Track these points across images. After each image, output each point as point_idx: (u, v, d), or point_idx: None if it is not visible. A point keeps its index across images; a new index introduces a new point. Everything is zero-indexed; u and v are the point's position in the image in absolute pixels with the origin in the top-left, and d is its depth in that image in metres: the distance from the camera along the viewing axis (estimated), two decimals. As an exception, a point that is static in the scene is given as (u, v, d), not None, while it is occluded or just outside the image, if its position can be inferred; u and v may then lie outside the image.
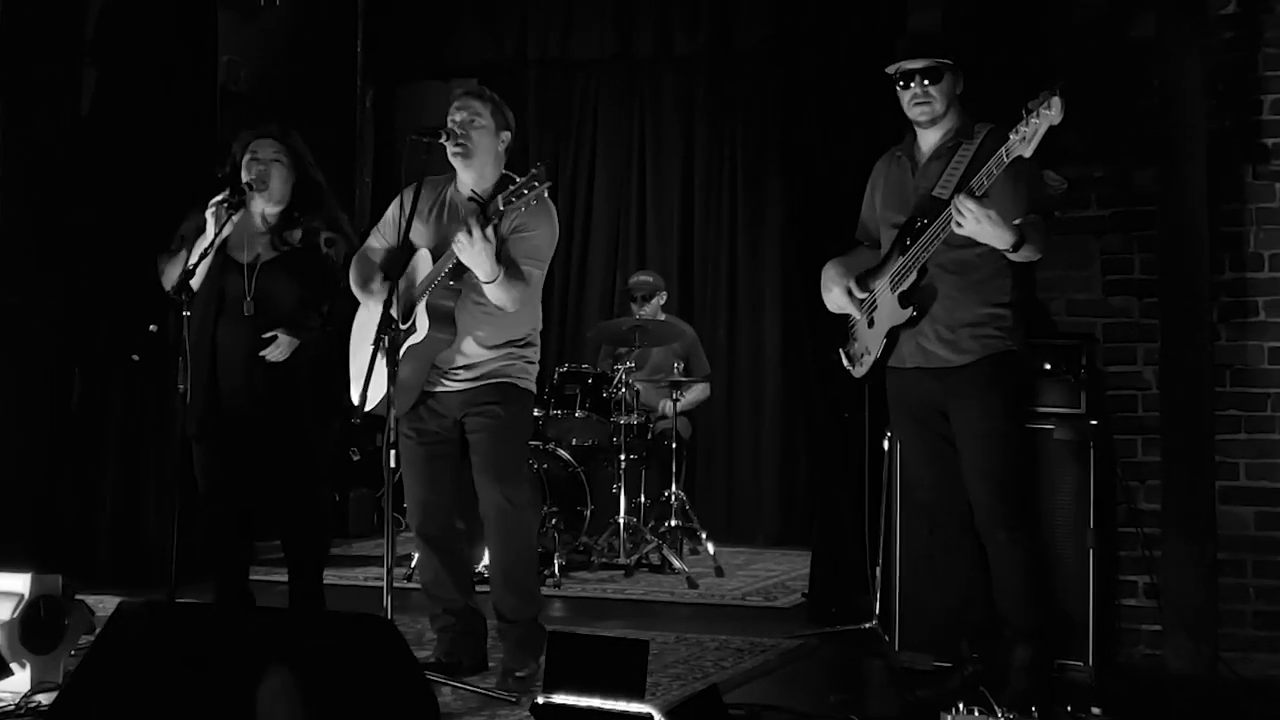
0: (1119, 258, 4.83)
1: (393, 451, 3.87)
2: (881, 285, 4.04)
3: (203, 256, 4.47)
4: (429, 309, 4.01)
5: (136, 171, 6.35)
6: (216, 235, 4.48)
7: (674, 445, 6.83)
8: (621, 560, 6.63)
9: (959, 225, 3.73)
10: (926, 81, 3.99)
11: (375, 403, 3.94)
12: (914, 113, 4.03)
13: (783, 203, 8.22)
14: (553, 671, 2.97)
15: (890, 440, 4.67)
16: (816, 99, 6.30)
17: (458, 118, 4.18)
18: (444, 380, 4.12)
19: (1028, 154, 3.62)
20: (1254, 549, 4.64)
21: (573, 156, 8.82)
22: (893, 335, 4.01)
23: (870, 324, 4.09)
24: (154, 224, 5.50)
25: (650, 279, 7.41)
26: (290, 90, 7.83)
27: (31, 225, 6.17)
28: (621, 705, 2.87)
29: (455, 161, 4.18)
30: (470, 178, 4.19)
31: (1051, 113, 3.56)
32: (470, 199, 4.12)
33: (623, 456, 6.66)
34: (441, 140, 4.14)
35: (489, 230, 3.86)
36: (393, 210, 4.27)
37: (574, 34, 8.57)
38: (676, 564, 6.48)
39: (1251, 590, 4.62)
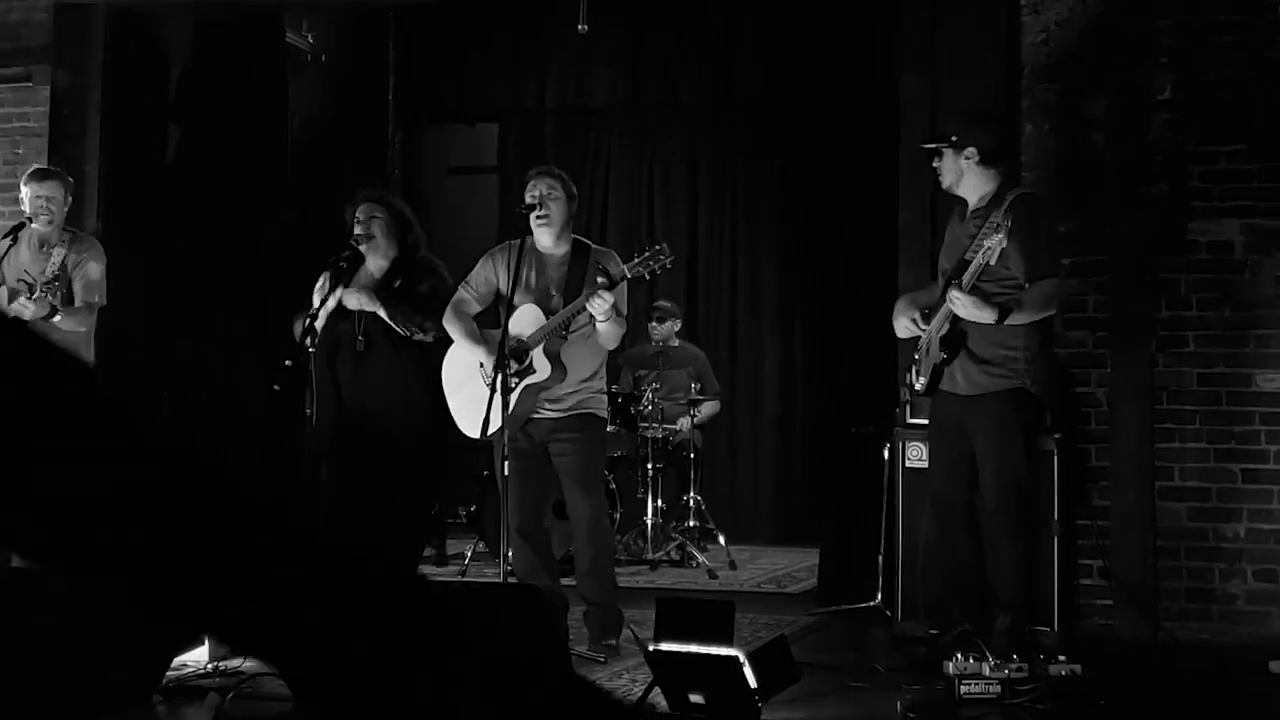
0: (1076, 298, 5.82)
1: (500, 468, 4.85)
2: (931, 328, 5.02)
3: (323, 303, 5.42)
4: (546, 353, 4.96)
5: (221, 211, 7.21)
6: (332, 290, 5.43)
7: (692, 455, 7.80)
8: (648, 556, 7.56)
9: (952, 304, 4.78)
10: (935, 160, 5.03)
11: (493, 430, 4.86)
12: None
13: (779, 239, 9.17)
14: (661, 626, 3.93)
15: (891, 449, 5.69)
16: (811, 145, 7.26)
17: (537, 192, 5.13)
18: (542, 409, 5.07)
19: (993, 261, 4.67)
20: (1186, 538, 5.65)
21: (587, 196, 9.66)
22: (937, 369, 5.00)
23: (926, 353, 5.07)
24: (245, 258, 6.40)
25: (668, 304, 8.34)
26: (331, 135, 8.70)
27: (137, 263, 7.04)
28: (715, 650, 3.84)
29: (538, 226, 5.13)
30: (549, 239, 5.15)
31: (999, 228, 4.67)
32: (598, 263, 5.03)
33: (649, 466, 7.61)
34: (528, 211, 5.10)
35: (608, 291, 4.81)
36: (481, 268, 5.22)
37: (588, 82, 9.21)
38: (699, 558, 7.44)
39: (1184, 571, 5.64)
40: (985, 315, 4.76)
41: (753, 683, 3.82)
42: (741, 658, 3.82)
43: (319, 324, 5.40)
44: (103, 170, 6.80)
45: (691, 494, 7.77)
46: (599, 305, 4.81)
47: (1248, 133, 5.67)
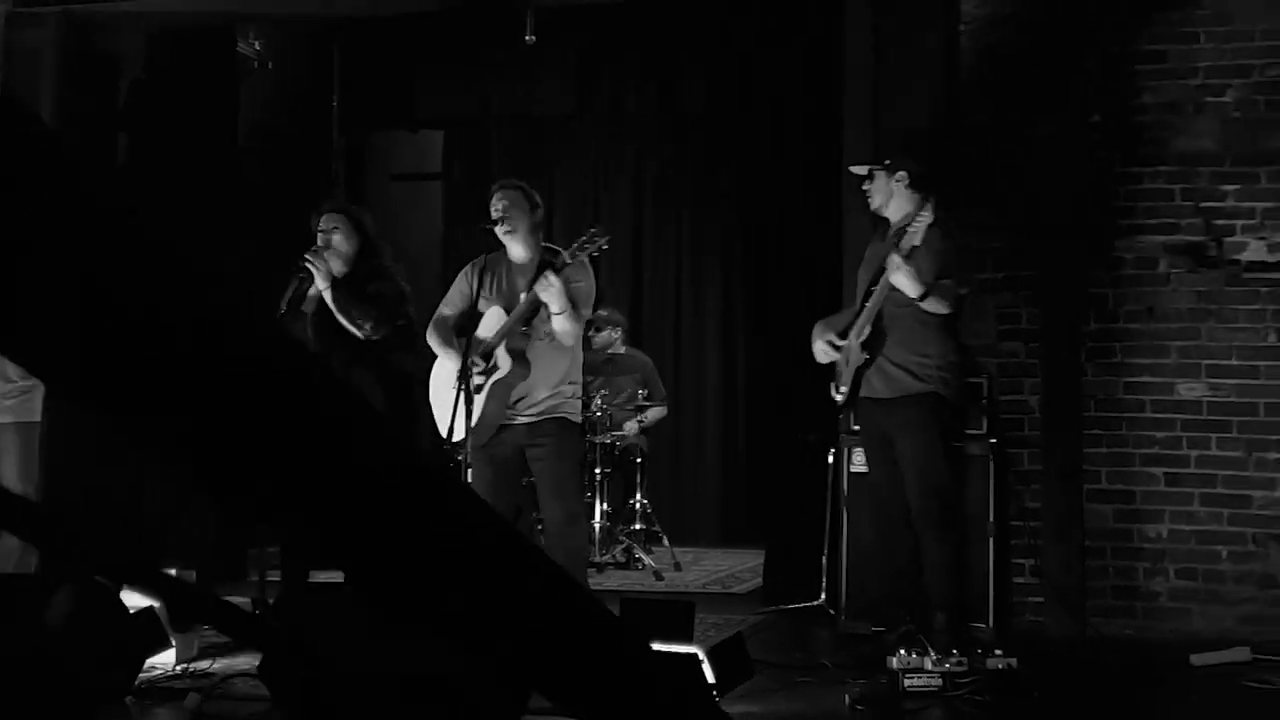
0: (1009, 311, 6.13)
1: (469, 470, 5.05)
2: (851, 335, 5.30)
3: (289, 304, 5.59)
4: (509, 350, 5.16)
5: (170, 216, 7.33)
6: (294, 290, 5.61)
7: (639, 460, 8.02)
8: (595, 558, 7.76)
9: (889, 275, 5.05)
10: (866, 183, 5.30)
11: (460, 435, 5.07)
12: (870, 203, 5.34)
13: (723, 249, 9.42)
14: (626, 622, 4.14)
15: (835, 456, 5.96)
16: (755, 158, 7.51)
17: (501, 205, 5.35)
18: (518, 415, 5.26)
19: (918, 242, 4.95)
20: (1112, 538, 5.97)
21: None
22: (858, 374, 5.27)
23: (846, 363, 5.34)
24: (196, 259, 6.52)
25: (605, 313, 8.55)
26: (277, 140, 8.80)
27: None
28: (676, 647, 4.06)
29: (506, 238, 5.34)
30: (518, 249, 5.36)
31: (926, 214, 4.93)
32: (544, 257, 5.26)
33: (596, 470, 7.82)
34: (493, 225, 5.31)
35: (560, 274, 5.04)
36: (458, 282, 5.44)
37: (536, 92, 9.24)
38: (646, 560, 7.67)
39: (1111, 570, 5.96)
40: (914, 286, 5.03)
41: (711, 678, 4.05)
42: (701, 655, 4.04)
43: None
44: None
45: (638, 498, 7.99)
46: (545, 288, 5.02)
47: (1170, 156, 6.00)
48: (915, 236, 5.03)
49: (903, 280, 5.06)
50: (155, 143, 7.49)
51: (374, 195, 9.95)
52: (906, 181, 5.28)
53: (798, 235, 7.19)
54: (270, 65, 8.83)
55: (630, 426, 8.18)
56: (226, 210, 7.43)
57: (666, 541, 7.97)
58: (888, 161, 5.34)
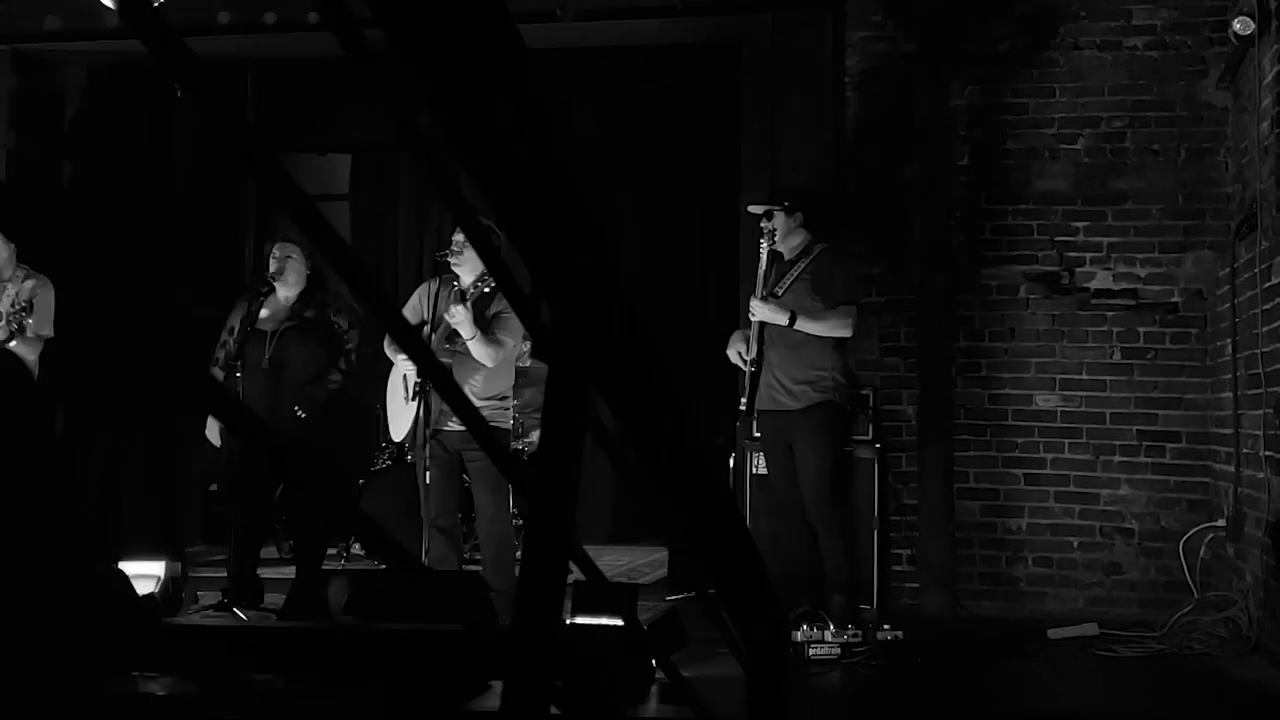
0: (890, 330, 6.91)
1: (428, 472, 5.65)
2: (746, 354, 6.03)
3: (241, 333, 6.11)
4: None
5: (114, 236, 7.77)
6: (248, 314, 6.14)
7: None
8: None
9: (752, 315, 5.88)
10: (764, 220, 6.03)
11: (402, 435, 5.68)
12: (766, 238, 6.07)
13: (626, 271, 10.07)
14: (575, 605, 4.79)
15: (737, 459, 6.67)
16: (652, 190, 8.19)
17: (457, 240, 5.95)
18: (449, 423, 5.87)
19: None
20: (979, 530, 6.77)
21: (437, 226, 10.44)
22: (754, 385, 6.00)
23: (746, 378, 6.07)
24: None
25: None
26: (202, 165, 9.25)
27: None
28: (617, 622, 4.71)
29: (455, 268, 5.95)
30: (466, 278, 5.97)
31: (764, 244, 5.85)
32: (454, 288, 5.90)
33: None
34: (442, 258, 5.93)
35: (465, 305, 5.66)
36: (413, 300, 6.02)
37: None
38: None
39: (978, 558, 6.76)
40: (779, 318, 5.89)
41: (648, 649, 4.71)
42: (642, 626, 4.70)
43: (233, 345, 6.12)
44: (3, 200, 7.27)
45: (546, 499, 8.60)
46: (452, 317, 5.65)
47: (1029, 195, 6.83)
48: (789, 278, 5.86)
49: (766, 314, 5.89)
50: (97, 169, 7.92)
51: (283, 215, 10.43)
52: (801, 221, 6.03)
53: (698, 261, 7.92)
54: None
55: (536, 434, 8.78)
56: (164, 230, 7.90)
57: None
58: (786, 203, 6.07)
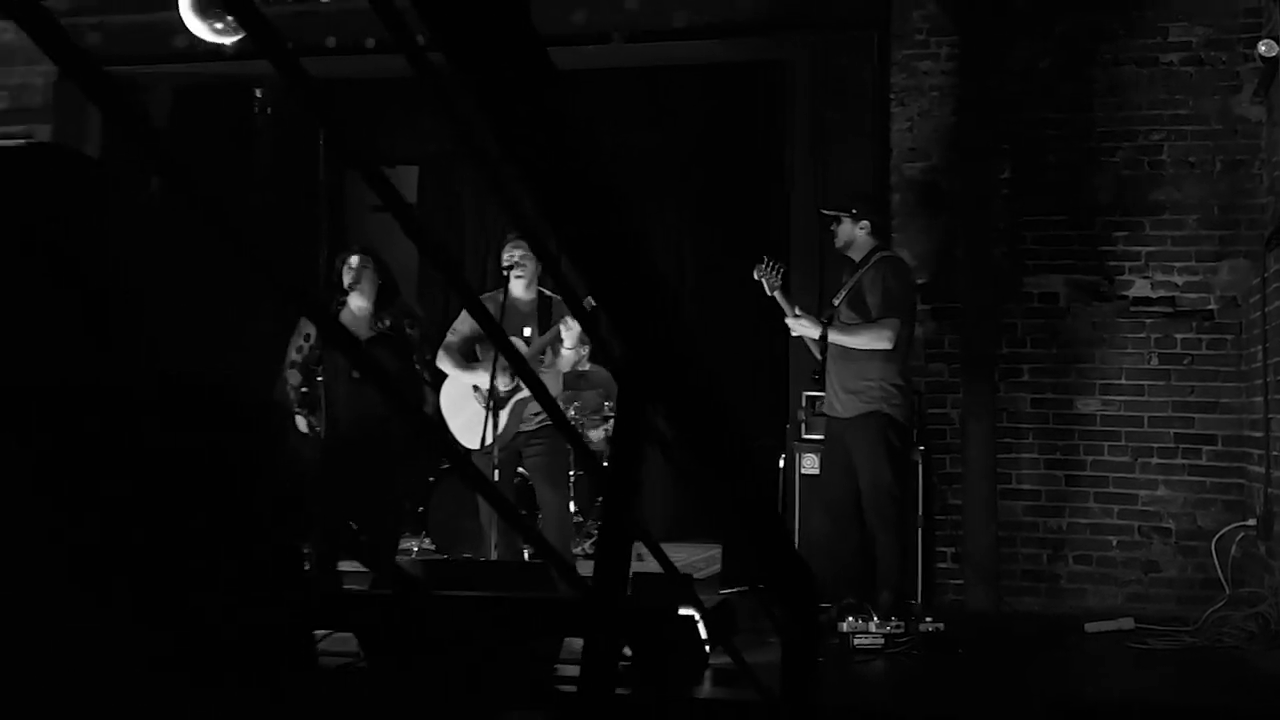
0: (935, 337, 7.19)
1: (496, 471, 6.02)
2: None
3: (320, 340, 6.51)
4: None
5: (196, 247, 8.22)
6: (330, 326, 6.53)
7: (605, 464, 8.97)
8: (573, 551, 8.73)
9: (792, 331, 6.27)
10: (831, 225, 6.34)
11: (476, 443, 6.04)
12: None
13: (680, 279, 10.37)
14: (637, 596, 5.13)
15: (787, 460, 6.98)
16: (705, 197, 8.49)
17: (515, 255, 6.32)
18: (519, 425, 6.24)
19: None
20: (1022, 529, 7.03)
21: (499, 236, 10.79)
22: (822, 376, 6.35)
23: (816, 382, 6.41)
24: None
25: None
26: (274, 177, 9.69)
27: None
28: (681, 610, 5.04)
29: (513, 281, 6.31)
30: (521, 291, 6.33)
31: (765, 282, 6.31)
32: (542, 299, 6.27)
33: (570, 474, 8.77)
34: (508, 271, 6.30)
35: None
36: (466, 315, 6.39)
37: None
38: (615, 551, 8.62)
39: (1020, 556, 7.02)
40: (813, 331, 6.25)
41: (704, 635, 5.05)
42: (697, 616, 5.03)
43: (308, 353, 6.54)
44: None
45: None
46: (570, 332, 6.03)
47: (1070, 206, 7.09)
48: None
49: (799, 329, 6.32)
50: (182, 185, 8.33)
51: (354, 226, 10.86)
52: (868, 229, 6.31)
53: (748, 269, 8.20)
54: (269, 110, 9.72)
55: (597, 435, 9.14)
56: (245, 241, 8.31)
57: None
58: (855, 211, 6.34)
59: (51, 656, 1.07)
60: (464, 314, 6.46)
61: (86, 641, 1.07)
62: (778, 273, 6.37)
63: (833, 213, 6.40)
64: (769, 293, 6.38)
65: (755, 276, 6.41)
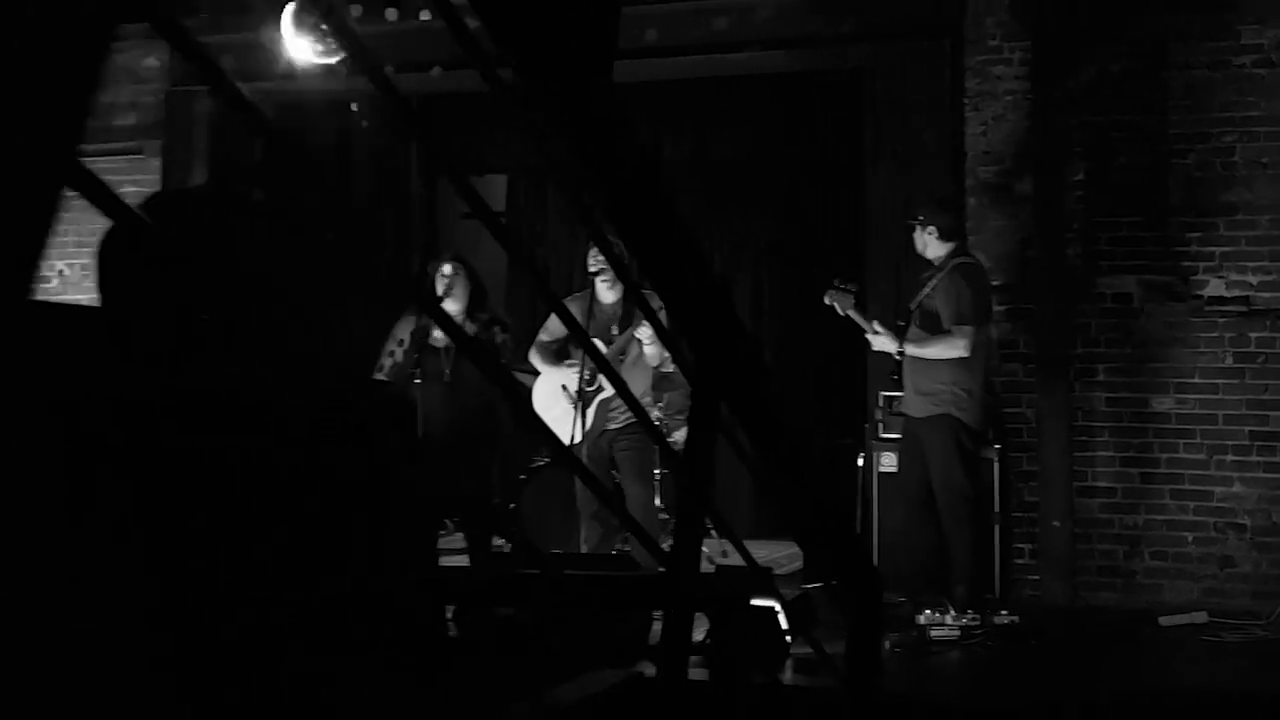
0: (1009, 338, 7.34)
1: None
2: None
3: (414, 345, 6.82)
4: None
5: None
6: (418, 328, 6.84)
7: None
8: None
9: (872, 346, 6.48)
10: (912, 231, 6.54)
11: (567, 439, 6.33)
12: None
13: (757, 285, 10.58)
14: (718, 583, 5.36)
15: (865, 458, 7.19)
16: (782, 203, 8.71)
17: (601, 259, 6.59)
18: (605, 423, 6.52)
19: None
20: (1098, 525, 7.17)
21: (584, 245, 11.07)
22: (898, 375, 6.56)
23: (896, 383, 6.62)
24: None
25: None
26: (369, 186, 10.07)
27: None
28: (761, 601, 5.28)
29: (599, 284, 6.59)
30: (608, 295, 6.61)
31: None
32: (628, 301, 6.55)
33: (656, 471, 9.02)
34: (594, 275, 6.58)
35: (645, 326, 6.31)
36: (554, 317, 6.68)
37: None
38: (703, 548, 8.86)
39: (1096, 552, 7.16)
40: (890, 346, 6.44)
41: (785, 625, 5.28)
42: (778, 607, 5.26)
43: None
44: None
45: (689, 496, 9.19)
46: (644, 332, 6.28)
47: (1143, 207, 7.20)
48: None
49: (878, 344, 6.53)
50: (285, 195, 8.73)
51: (445, 232, 11.21)
52: (936, 234, 6.50)
53: (825, 265, 8.42)
54: (364, 124, 10.09)
55: (681, 434, 9.38)
56: (340, 247, 8.69)
57: (713, 532, 9.16)
58: (921, 218, 6.55)
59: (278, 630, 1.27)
60: (553, 317, 6.75)
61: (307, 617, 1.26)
62: (849, 294, 6.56)
63: (909, 223, 6.62)
64: (841, 314, 6.57)
65: (826, 301, 6.59)
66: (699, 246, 1.78)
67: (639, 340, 6.39)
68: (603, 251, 6.85)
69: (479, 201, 1.15)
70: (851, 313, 6.56)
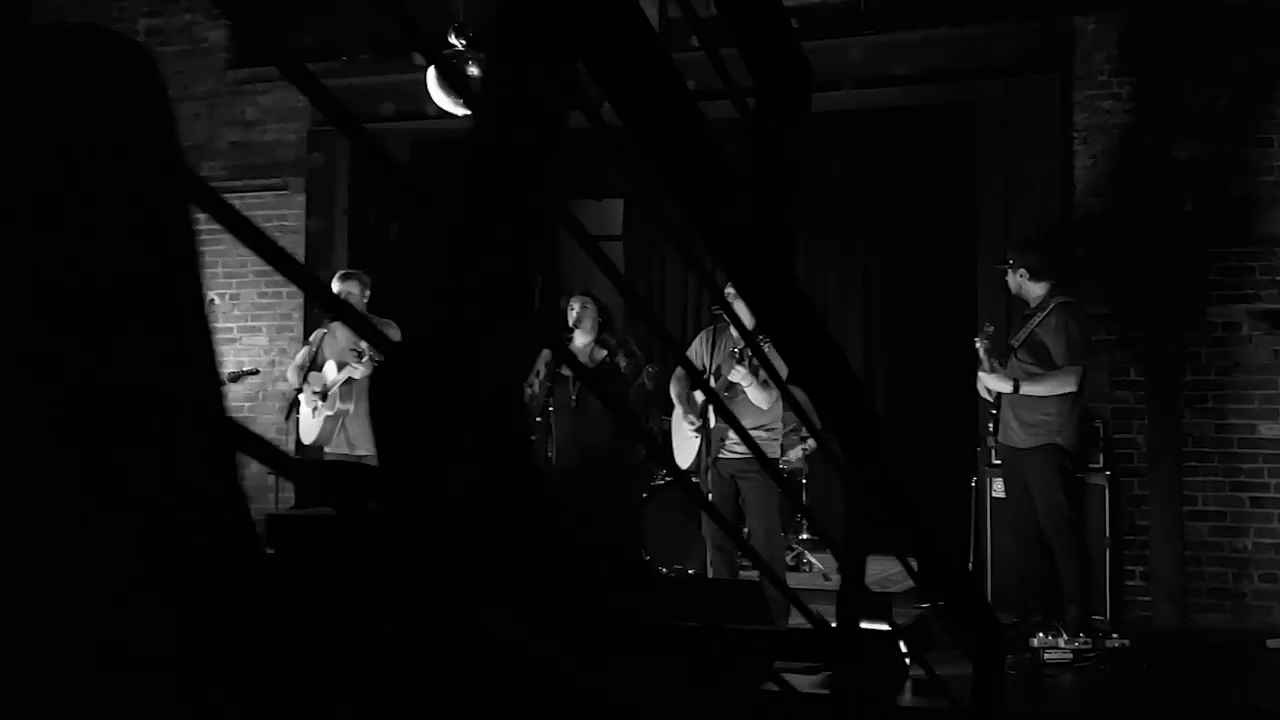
0: (1120, 366, 7.54)
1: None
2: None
3: (550, 376, 7.23)
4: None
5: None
6: (557, 362, 7.24)
7: (804, 481, 9.56)
8: (770, 564, 9.30)
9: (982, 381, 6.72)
10: (1008, 272, 6.80)
11: (687, 463, 6.70)
12: None
13: (864, 306, 10.77)
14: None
15: (977, 483, 7.44)
16: (890, 226, 8.98)
17: (729, 292, 6.92)
18: (724, 451, 6.85)
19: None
20: (1207, 549, 7.34)
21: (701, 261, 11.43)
22: (996, 419, 6.79)
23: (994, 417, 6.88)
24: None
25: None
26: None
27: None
28: (875, 625, 5.58)
29: (728, 316, 6.92)
30: (736, 329, 6.94)
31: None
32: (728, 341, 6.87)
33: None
34: (722, 309, 6.92)
35: (744, 364, 6.61)
36: (693, 346, 7.00)
37: None
38: (816, 564, 9.19)
39: (1206, 574, 7.34)
40: (1004, 386, 6.66)
41: (903, 649, 5.58)
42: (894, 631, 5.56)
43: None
44: (350, 260, 8.66)
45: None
46: (739, 373, 6.59)
47: (1250, 238, 7.37)
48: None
49: (992, 385, 6.74)
50: (415, 229, 9.20)
51: (566, 254, 11.61)
52: (1028, 276, 6.76)
53: (938, 301, 8.68)
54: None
55: (795, 454, 9.68)
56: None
57: (827, 549, 9.45)
58: (1010, 261, 6.82)
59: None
60: (693, 346, 7.05)
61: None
62: (989, 338, 6.86)
63: (999, 267, 6.88)
64: (981, 355, 6.82)
65: (976, 344, 6.89)
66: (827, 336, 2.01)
67: (738, 385, 6.66)
68: (724, 311, 7.27)
69: (600, 254, 1.21)
70: (981, 350, 6.83)
